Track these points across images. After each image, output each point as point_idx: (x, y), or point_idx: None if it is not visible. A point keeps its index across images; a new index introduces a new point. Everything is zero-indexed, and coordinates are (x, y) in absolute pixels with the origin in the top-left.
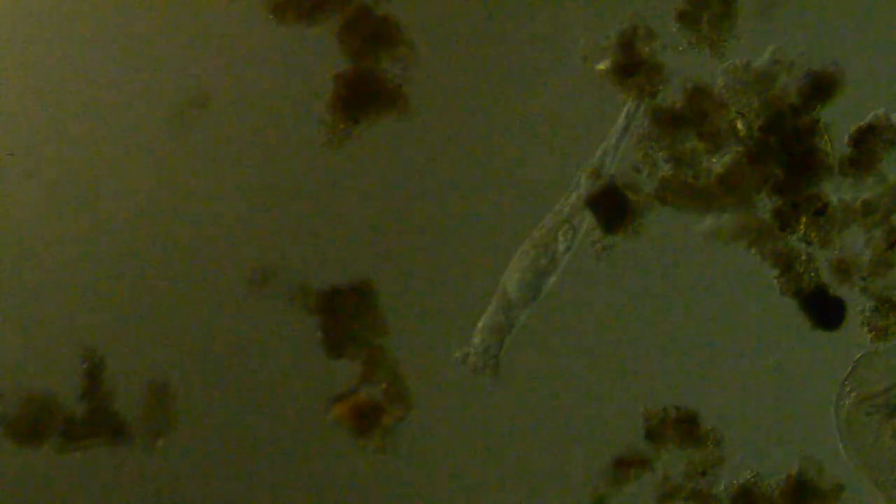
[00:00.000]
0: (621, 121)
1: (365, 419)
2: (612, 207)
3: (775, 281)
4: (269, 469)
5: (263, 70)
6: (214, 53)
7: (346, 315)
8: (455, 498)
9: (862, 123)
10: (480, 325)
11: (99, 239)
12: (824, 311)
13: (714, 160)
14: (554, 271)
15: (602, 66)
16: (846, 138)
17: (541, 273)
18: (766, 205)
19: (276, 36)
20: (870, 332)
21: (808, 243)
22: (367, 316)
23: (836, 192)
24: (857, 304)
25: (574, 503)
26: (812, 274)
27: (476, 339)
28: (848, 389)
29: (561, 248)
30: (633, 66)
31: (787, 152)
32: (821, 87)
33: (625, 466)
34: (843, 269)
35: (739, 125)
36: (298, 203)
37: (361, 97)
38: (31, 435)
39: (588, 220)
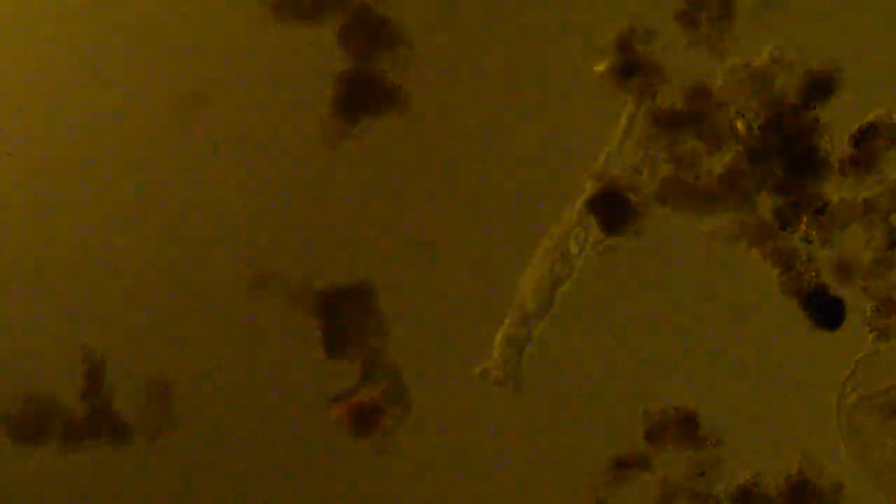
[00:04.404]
0: (623, 123)
1: (364, 420)
2: (612, 209)
3: (776, 280)
4: (269, 469)
5: (263, 70)
6: (214, 53)
7: (346, 315)
8: (454, 498)
9: (863, 122)
10: (499, 337)
11: (99, 239)
12: (823, 310)
13: (714, 160)
14: (569, 277)
15: (600, 67)
16: (847, 138)
17: (556, 280)
18: (766, 204)
19: (276, 36)
20: (871, 332)
21: (809, 242)
22: (367, 316)
23: (837, 190)
24: (859, 304)
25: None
26: (813, 273)
27: (496, 353)
28: (849, 390)
29: (574, 251)
30: (631, 67)
31: (787, 152)
32: (820, 87)
33: (624, 467)
34: (844, 269)
35: (739, 125)
36: (298, 203)
37: (361, 97)
38: (31, 435)
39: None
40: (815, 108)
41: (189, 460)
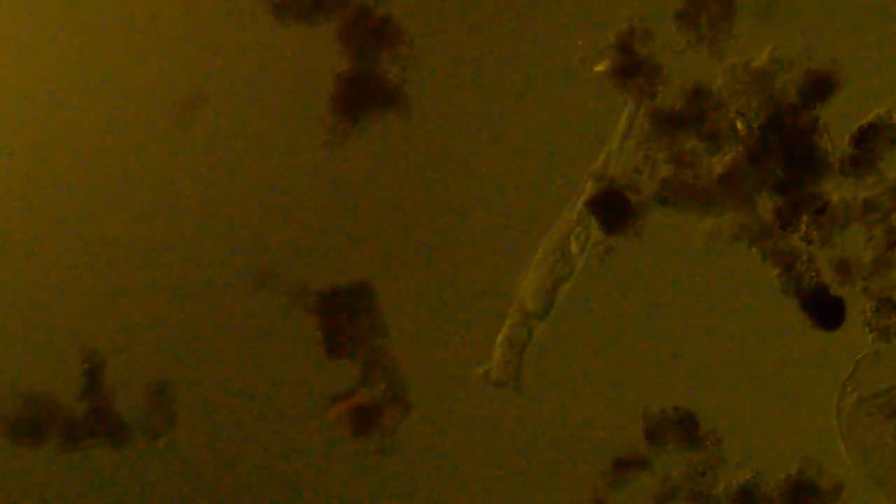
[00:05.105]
0: (623, 123)
1: (364, 420)
2: (612, 209)
3: (776, 280)
4: (269, 469)
5: (263, 70)
6: (214, 53)
7: (346, 315)
8: (454, 498)
9: (863, 122)
10: (499, 338)
11: (98, 239)
12: (823, 310)
13: (714, 160)
14: (569, 277)
15: (600, 67)
16: (847, 137)
17: (557, 280)
18: (766, 204)
19: (276, 36)
20: (871, 332)
21: (809, 242)
22: (367, 316)
23: (837, 190)
24: (859, 305)
25: (573, 503)
26: (813, 273)
27: (496, 354)
28: (849, 390)
29: (575, 251)
30: (631, 68)
31: (788, 152)
32: (820, 86)
33: (624, 467)
34: (845, 269)
35: (739, 125)
36: (298, 203)
37: (361, 97)
38: (31, 435)
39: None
40: (815, 108)
41: (189, 460)
